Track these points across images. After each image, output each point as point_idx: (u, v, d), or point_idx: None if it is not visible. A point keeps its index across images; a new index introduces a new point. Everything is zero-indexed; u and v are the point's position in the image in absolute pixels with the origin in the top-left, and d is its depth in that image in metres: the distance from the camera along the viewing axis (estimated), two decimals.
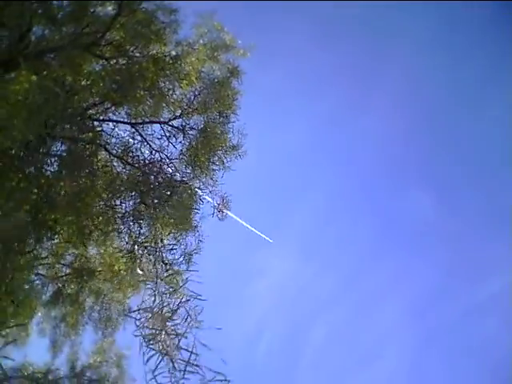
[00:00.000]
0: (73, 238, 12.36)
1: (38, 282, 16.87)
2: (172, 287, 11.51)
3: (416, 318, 26.38)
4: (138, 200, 11.57)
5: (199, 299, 12.75)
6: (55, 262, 16.77)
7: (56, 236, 13.21)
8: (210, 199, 12.88)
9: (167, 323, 12.63)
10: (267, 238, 19.04)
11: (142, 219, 11.51)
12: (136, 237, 11.78)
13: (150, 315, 12.69)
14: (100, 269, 16.07)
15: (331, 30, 21.70)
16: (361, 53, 22.44)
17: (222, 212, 12.99)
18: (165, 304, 12.44)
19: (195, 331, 12.62)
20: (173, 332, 11.94)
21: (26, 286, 15.44)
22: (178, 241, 12.23)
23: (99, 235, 12.09)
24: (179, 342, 12.19)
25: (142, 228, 11.66)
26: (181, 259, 12.75)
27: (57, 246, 15.42)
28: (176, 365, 11.29)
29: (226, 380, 11.29)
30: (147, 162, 12.12)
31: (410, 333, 26.05)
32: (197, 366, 12.25)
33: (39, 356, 18.00)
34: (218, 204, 12.99)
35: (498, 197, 25.08)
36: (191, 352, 12.16)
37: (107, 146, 12.77)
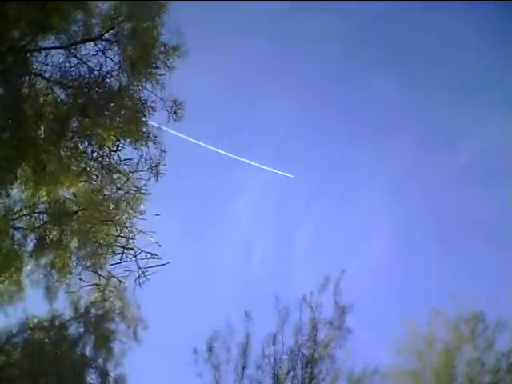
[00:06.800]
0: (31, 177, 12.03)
1: (18, 235, 16.71)
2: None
3: (399, 195, 26.78)
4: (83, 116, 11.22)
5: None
6: (31, 213, 16.54)
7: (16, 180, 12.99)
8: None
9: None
10: (287, 174, 18.85)
11: (90, 135, 11.20)
12: (90, 154, 11.54)
13: None
14: (75, 208, 15.94)
15: None
16: None
17: (177, 114, 12.68)
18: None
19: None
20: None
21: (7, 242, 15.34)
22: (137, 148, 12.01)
23: (56, 167, 11.75)
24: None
25: (92, 145, 11.38)
26: (146, 171, 12.69)
27: (26, 195, 15.19)
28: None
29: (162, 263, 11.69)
30: (86, 79, 11.67)
31: (397, 211, 26.54)
32: (131, 249, 12.71)
33: (39, 307, 18.09)
34: (171, 107, 12.65)
35: (461, 69, 24.76)
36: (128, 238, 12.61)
37: (45, 75, 12.30)
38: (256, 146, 24.85)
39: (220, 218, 24.81)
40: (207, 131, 21.01)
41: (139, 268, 14.10)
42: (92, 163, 11.85)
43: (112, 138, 11.45)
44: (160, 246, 13.66)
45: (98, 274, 17.39)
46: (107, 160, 11.78)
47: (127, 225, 13.28)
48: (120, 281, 14.65)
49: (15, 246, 15.89)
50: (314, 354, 18.59)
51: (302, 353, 18.73)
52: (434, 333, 21.03)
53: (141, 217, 13.13)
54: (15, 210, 15.66)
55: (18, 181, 13.47)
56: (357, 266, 23.93)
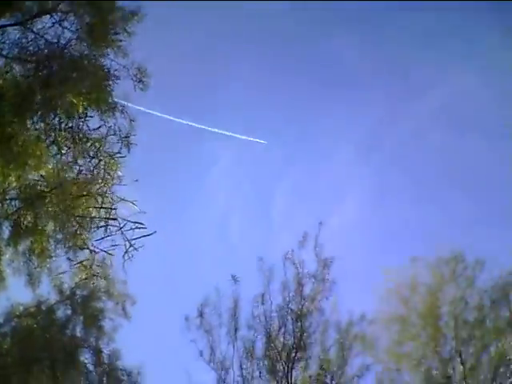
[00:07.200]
0: None
1: None
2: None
3: (373, 148, 27.18)
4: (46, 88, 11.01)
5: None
6: (2, 200, 16.21)
7: None
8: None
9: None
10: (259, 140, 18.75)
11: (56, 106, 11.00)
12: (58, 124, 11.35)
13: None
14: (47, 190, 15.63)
15: None
16: None
17: (143, 82, 12.52)
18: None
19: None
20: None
21: None
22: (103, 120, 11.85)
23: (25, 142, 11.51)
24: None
25: (59, 115, 11.18)
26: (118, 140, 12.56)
27: None
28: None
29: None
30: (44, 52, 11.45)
31: (372, 163, 26.98)
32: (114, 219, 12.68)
33: (24, 294, 17.88)
34: (135, 75, 12.47)
35: (423, 18, 24.89)
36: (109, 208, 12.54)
37: (2, 52, 12.01)
38: (225, 115, 24.81)
39: (196, 189, 24.86)
40: (173, 104, 20.87)
41: (126, 240, 13.83)
42: (62, 133, 11.65)
43: (79, 104, 11.25)
44: (145, 213, 13.43)
45: (85, 249, 17.19)
46: (77, 129, 11.60)
47: (107, 194, 13.05)
48: (108, 253, 14.36)
49: None
50: (303, 308, 18.93)
51: (291, 309, 19.07)
52: (416, 277, 21.58)
53: (119, 183, 12.90)
54: None
55: None
56: (336, 221, 24.35)
